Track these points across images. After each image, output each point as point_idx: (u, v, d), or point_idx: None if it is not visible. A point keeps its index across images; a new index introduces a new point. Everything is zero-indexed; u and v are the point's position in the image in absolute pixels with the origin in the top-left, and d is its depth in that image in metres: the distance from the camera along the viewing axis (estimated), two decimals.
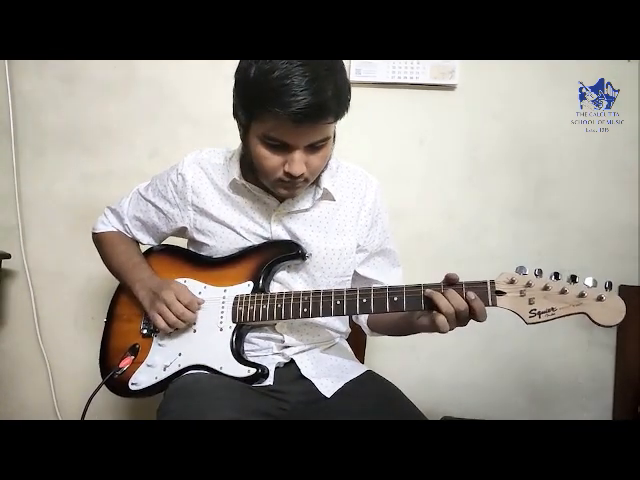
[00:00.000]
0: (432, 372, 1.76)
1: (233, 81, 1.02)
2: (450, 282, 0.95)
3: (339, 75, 0.97)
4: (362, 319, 1.22)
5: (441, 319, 0.92)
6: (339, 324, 1.21)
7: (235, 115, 1.05)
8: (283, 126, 0.94)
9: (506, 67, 1.67)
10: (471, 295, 0.92)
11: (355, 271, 1.20)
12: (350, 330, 1.28)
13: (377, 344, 1.64)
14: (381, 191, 1.21)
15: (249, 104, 0.98)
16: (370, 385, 1.12)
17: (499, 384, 1.75)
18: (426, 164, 1.73)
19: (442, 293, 0.94)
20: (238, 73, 1.00)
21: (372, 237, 1.19)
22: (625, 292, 1.66)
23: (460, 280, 0.96)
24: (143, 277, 1.17)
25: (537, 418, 1.71)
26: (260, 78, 0.93)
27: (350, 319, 1.27)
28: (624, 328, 1.68)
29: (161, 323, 1.09)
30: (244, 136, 1.06)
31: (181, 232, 1.23)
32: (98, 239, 1.31)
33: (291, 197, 1.11)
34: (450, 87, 1.68)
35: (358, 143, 1.70)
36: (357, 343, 1.35)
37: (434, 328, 0.95)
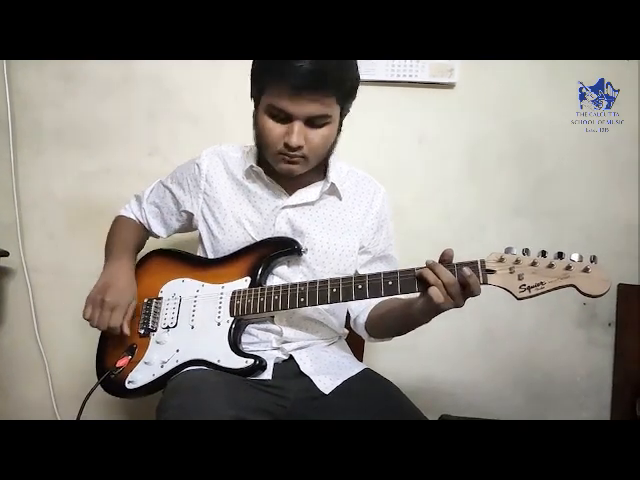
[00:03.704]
0: (430, 370, 1.76)
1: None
2: (445, 258, 0.96)
3: (347, 62, 1.04)
4: (360, 323, 1.21)
5: (433, 289, 0.93)
6: (336, 324, 1.22)
7: (251, 96, 1.12)
8: (284, 95, 1.01)
9: (505, 66, 1.67)
10: (467, 271, 0.93)
11: (357, 272, 1.21)
12: (347, 332, 1.29)
13: (376, 343, 1.64)
14: (388, 199, 1.24)
15: (260, 78, 1.06)
16: (368, 383, 1.12)
17: (497, 382, 1.75)
18: (425, 163, 1.73)
19: (430, 267, 0.95)
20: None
21: (377, 240, 1.21)
22: (624, 291, 1.67)
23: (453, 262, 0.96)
24: (122, 260, 1.22)
25: (535, 416, 1.71)
26: None
27: (348, 323, 1.27)
28: (622, 326, 1.68)
29: (86, 314, 1.14)
30: (255, 114, 1.12)
31: (188, 221, 1.27)
32: (115, 220, 1.35)
33: (290, 175, 1.12)
34: (449, 85, 1.68)
35: (357, 141, 1.69)
36: (356, 342, 1.35)
37: (430, 305, 0.94)
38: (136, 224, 1.33)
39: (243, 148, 1.24)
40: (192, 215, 1.24)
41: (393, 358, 1.72)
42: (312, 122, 1.05)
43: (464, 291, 0.93)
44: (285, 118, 1.04)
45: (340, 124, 1.13)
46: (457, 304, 0.94)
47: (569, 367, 1.72)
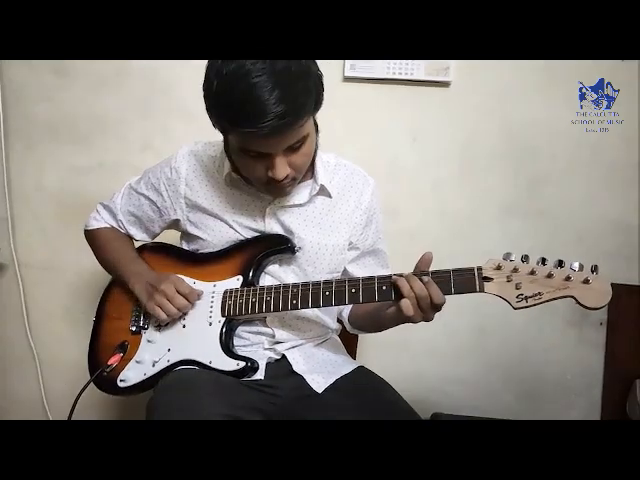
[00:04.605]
0: (423, 368, 1.77)
1: None
2: (425, 262, 0.96)
3: (305, 72, 0.93)
4: (344, 315, 1.23)
5: (404, 302, 0.93)
6: (329, 321, 1.21)
7: (213, 126, 1.02)
8: (255, 139, 0.93)
9: (502, 65, 1.66)
10: (425, 278, 0.93)
11: (345, 268, 1.20)
12: (340, 327, 1.28)
13: (369, 340, 1.64)
14: (378, 192, 1.21)
15: (220, 122, 0.97)
16: (361, 381, 1.13)
17: (489, 381, 1.76)
18: (419, 161, 1.73)
19: (405, 278, 0.94)
20: (204, 90, 0.97)
21: (365, 236, 1.19)
22: (616, 290, 1.66)
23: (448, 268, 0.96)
24: (139, 271, 1.17)
25: (526, 415, 1.72)
26: (223, 96, 0.91)
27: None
28: (614, 325, 1.69)
29: (162, 315, 1.08)
30: (225, 146, 1.07)
31: (174, 225, 1.23)
32: (91, 236, 1.29)
33: (283, 196, 1.11)
34: (444, 84, 1.68)
35: (351, 139, 1.69)
36: (349, 339, 1.35)
37: (400, 315, 0.95)
38: (121, 233, 1.27)
39: (221, 146, 1.15)
40: (178, 220, 1.19)
41: (386, 356, 1.73)
42: (291, 148, 0.98)
43: (432, 304, 0.93)
44: (262, 155, 0.97)
45: (315, 124, 1.05)
46: (426, 318, 0.95)
47: (560, 366, 1.73)
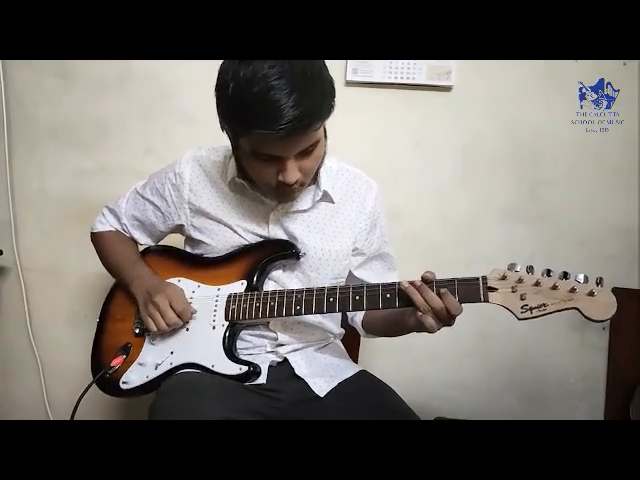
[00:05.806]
0: (425, 372, 1.76)
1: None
2: (427, 282, 0.96)
3: (320, 77, 0.94)
4: (357, 320, 1.23)
5: (428, 320, 0.94)
6: (332, 325, 1.21)
7: (222, 129, 1.02)
8: (270, 142, 0.92)
9: (504, 68, 1.67)
10: (441, 289, 0.93)
11: (352, 273, 1.20)
12: (344, 332, 1.28)
13: (371, 344, 1.64)
14: (381, 195, 1.21)
15: (233, 124, 0.96)
16: (364, 385, 1.12)
17: (492, 385, 1.75)
18: (421, 165, 1.73)
19: (418, 290, 0.95)
20: (217, 91, 0.96)
21: (370, 241, 1.19)
22: (618, 295, 1.66)
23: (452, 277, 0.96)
24: (142, 275, 1.17)
25: (529, 418, 1.71)
26: (238, 98, 0.90)
27: (345, 321, 1.27)
28: (616, 329, 1.69)
29: (152, 327, 1.09)
30: (235, 149, 1.06)
31: (178, 230, 1.23)
32: (96, 238, 1.30)
33: (290, 201, 1.11)
34: (446, 88, 1.68)
35: (354, 143, 1.69)
36: (351, 343, 1.35)
37: (421, 328, 0.96)
38: (125, 236, 1.28)
39: (225, 152, 1.18)
40: (182, 225, 1.19)
41: (389, 360, 1.72)
42: (303, 152, 0.98)
43: (449, 314, 0.94)
44: (274, 158, 0.97)
45: (324, 130, 1.05)
46: (448, 325, 0.96)
47: (563, 370, 1.73)
